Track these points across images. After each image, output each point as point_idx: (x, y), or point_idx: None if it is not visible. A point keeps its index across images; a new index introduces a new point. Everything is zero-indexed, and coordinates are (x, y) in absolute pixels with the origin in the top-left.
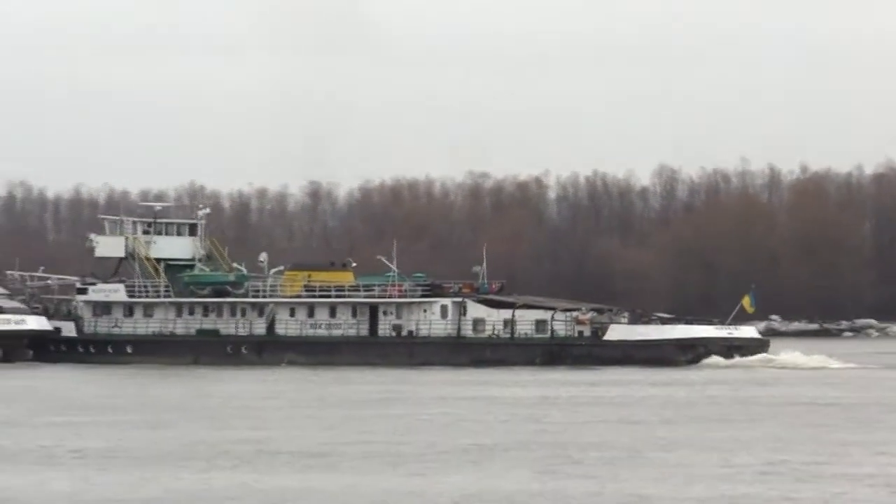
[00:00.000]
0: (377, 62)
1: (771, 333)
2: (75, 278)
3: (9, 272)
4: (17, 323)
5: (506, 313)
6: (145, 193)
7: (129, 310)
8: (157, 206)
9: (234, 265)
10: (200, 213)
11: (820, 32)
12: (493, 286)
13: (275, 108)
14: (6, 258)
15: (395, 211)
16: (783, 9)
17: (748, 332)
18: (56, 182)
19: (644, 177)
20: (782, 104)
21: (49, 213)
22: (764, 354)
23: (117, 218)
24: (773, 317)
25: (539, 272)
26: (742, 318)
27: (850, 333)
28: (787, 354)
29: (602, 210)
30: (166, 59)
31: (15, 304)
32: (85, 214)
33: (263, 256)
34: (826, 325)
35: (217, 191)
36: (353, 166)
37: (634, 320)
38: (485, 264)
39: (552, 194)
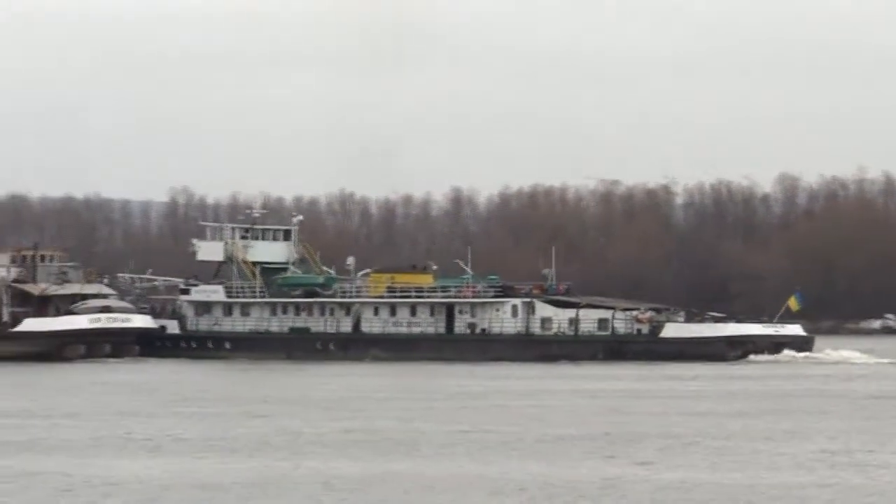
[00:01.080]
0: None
1: (888, 332)
2: (179, 280)
3: (120, 274)
4: (124, 321)
5: (570, 312)
6: (298, 199)
7: (227, 309)
8: (255, 213)
9: (324, 269)
10: (294, 220)
11: None
12: (561, 287)
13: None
14: (167, 261)
15: (532, 215)
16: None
17: (793, 329)
18: (215, 189)
19: (766, 184)
20: None
21: (209, 217)
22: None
23: (218, 224)
24: (889, 315)
25: (665, 273)
26: (795, 317)
27: None
28: (832, 351)
29: (726, 215)
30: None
31: (123, 303)
32: (240, 220)
33: (351, 260)
34: None
35: (366, 197)
36: (491, 175)
37: (689, 319)
38: (554, 268)
39: (679, 200)
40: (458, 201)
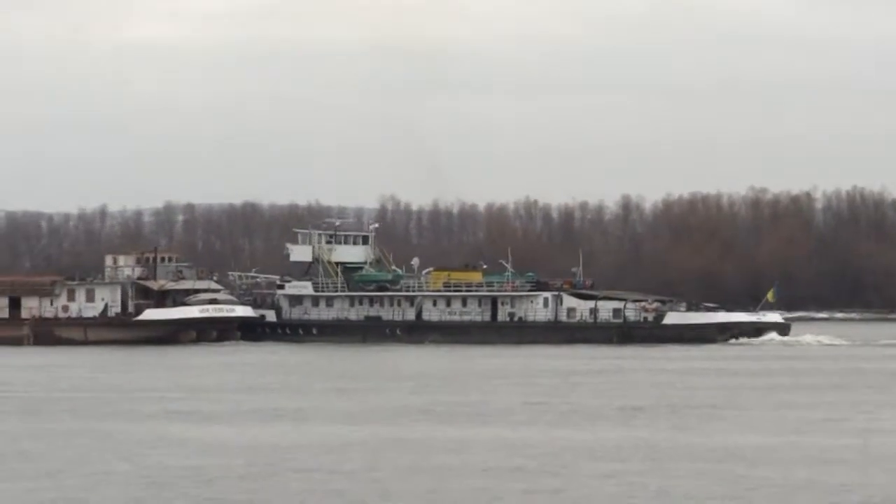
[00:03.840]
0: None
1: None
2: (276, 277)
3: (230, 273)
4: (228, 311)
5: (591, 303)
6: (490, 206)
7: (315, 301)
8: (337, 221)
9: (394, 268)
10: (371, 227)
11: None
12: (587, 283)
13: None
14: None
15: (692, 219)
16: None
17: (773, 317)
18: (418, 196)
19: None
20: None
21: (413, 223)
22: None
23: (307, 231)
24: None
25: (808, 270)
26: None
27: None
28: (804, 336)
29: (860, 219)
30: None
31: (228, 296)
32: (442, 223)
33: (415, 261)
34: None
35: (548, 203)
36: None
37: (688, 309)
38: (581, 266)
39: (818, 206)
40: (627, 207)
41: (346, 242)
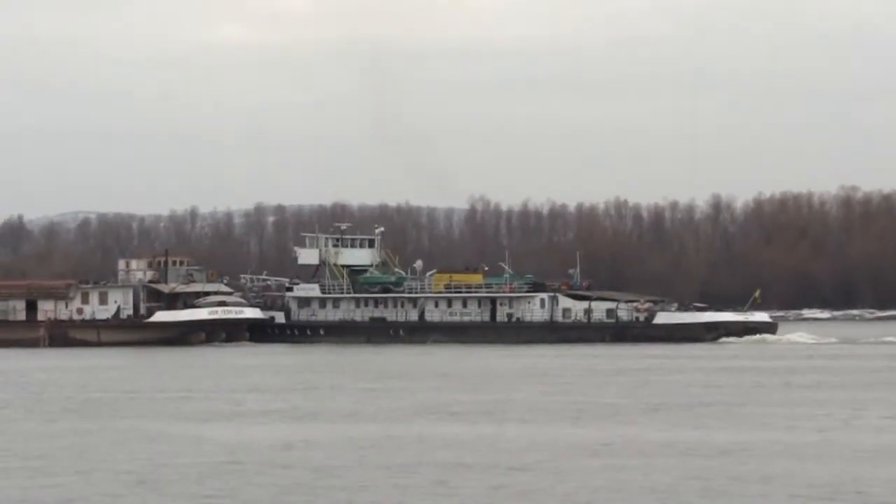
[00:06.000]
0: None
1: None
2: (286, 280)
3: (241, 275)
4: (237, 313)
5: (585, 304)
6: (580, 206)
7: (322, 303)
8: (343, 226)
9: (397, 270)
10: (377, 230)
11: None
12: (584, 284)
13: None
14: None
15: (782, 218)
16: None
17: (760, 317)
18: (508, 196)
19: None
20: None
21: (503, 223)
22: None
23: (314, 235)
24: None
25: None
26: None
27: None
28: (789, 335)
29: None
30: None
31: (237, 299)
32: (531, 224)
33: (418, 264)
34: None
35: (638, 203)
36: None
37: (679, 309)
38: (578, 268)
39: None
40: (718, 206)
41: (352, 246)
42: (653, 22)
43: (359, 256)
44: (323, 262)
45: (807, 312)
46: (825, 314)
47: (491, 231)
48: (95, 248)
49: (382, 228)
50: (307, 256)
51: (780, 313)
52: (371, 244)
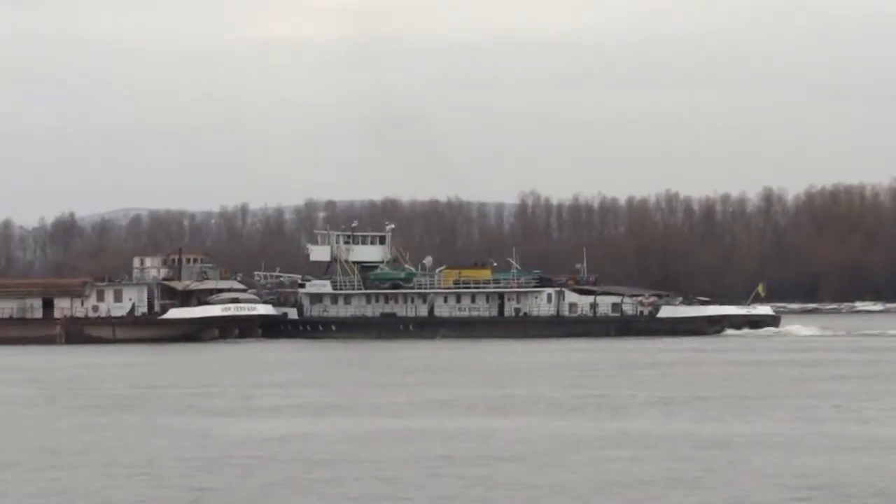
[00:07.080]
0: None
1: None
2: (298, 276)
3: (256, 272)
4: (249, 310)
5: (591, 298)
6: (630, 200)
7: (334, 299)
8: (354, 223)
9: (407, 266)
10: (388, 227)
11: None
12: (590, 279)
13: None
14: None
15: (834, 211)
16: None
17: (763, 310)
18: (559, 191)
19: None
20: None
21: (553, 217)
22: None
23: (326, 232)
24: None
25: None
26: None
27: None
28: (791, 327)
29: None
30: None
31: (249, 295)
32: (582, 218)
33: (428, 260)
34: None
35: (689, 196)
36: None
37: (683, 303)
38: (585, 262)
39: None
40: (769, 199)
41: (363, 243)
42: (707, 13)
43: (370, 253)
44: (334, 259)
45: (859, 305)
46: (878, 307)
47: (542, 225)
48: (147, 245)
49: (393, 225)
50: (319, 253)
51: (833, 305)
52: (382, 241)
